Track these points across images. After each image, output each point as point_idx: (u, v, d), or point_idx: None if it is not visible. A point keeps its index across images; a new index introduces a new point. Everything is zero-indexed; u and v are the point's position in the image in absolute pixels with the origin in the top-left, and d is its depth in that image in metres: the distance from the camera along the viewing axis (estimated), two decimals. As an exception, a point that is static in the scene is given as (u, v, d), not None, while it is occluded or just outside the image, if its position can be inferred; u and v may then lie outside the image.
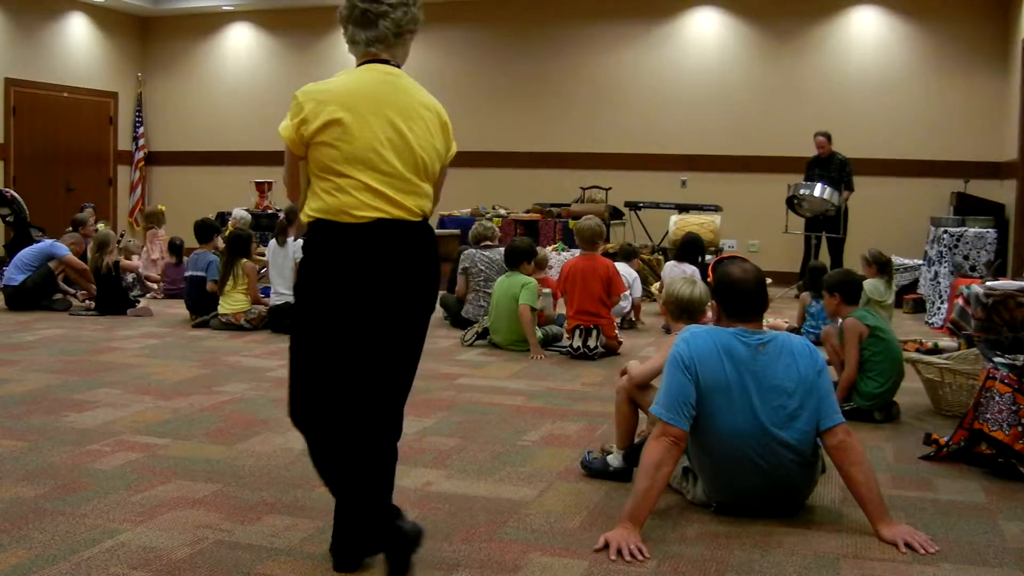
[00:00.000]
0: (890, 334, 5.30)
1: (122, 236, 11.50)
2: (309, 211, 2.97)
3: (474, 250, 8.30)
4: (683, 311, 4.32)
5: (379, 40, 3.04)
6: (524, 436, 4.77)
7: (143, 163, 15.38)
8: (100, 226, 10.86)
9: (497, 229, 8.82)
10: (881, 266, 7.79)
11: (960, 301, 7.32)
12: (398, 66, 3.07)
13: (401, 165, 2.94)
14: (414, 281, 2.99)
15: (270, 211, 12.07)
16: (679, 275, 6.82)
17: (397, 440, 3.10)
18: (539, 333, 7.27)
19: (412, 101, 3.01)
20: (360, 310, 2.92)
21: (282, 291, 8.13)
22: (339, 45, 14.18)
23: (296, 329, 3.04)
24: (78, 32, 14.36)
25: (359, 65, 3.07)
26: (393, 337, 2.99)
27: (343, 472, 2.99)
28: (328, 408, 2.98)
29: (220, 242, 9.47)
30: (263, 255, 9.09)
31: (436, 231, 11.41)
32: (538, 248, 8.08)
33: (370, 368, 2.98)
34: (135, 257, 10.91)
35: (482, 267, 8.12)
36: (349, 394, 2.97)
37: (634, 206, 12.08)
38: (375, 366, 2.98)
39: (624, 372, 4.16)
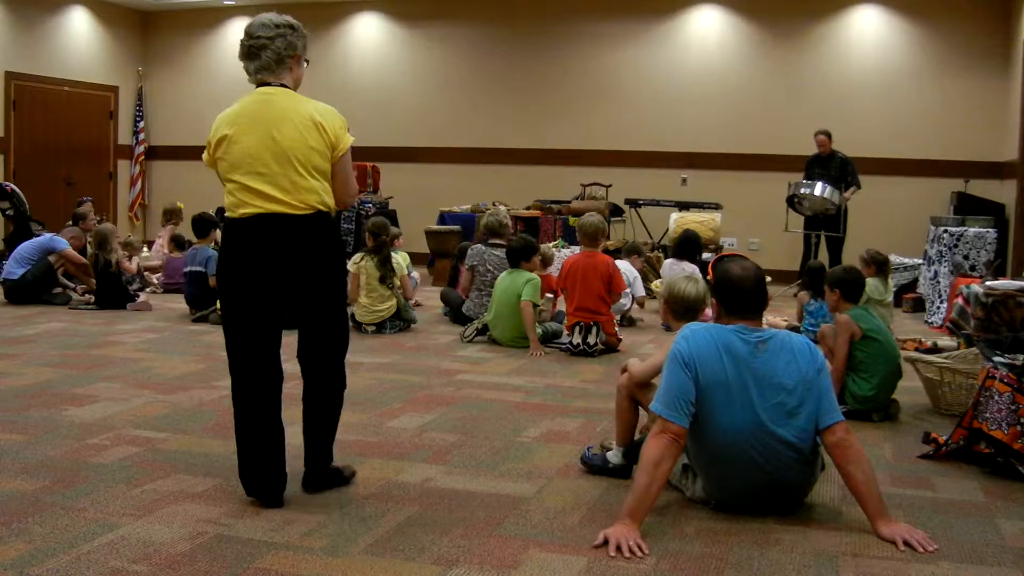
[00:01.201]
0: (886, 336, 5.28)
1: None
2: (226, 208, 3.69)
3: (483, 247, 8.20)
4: (687, 310, 4.31)
5: (264, 68, 3.65)
6: (524, 432, 4.77)
7: (143, 157, 15.38)
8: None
9: (510, 224, 8.64)
10: (879, 266, 7.80)
11: (960, 300, 7.32)
12: (286, 86, 3.66)
13: (277, 166, 3.52)
14: (296, 265, 3.57)
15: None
16: (679, 273, 6.81)
17: (337, 382, 3.81)
18: (539, 330, 7.26)
19: (283, 112, 3.56)
20: (250, 289, 3.58)
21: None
22: (339, 40, 14.24)
23: (221, 305, 3.76)
24: (79, 26, 14.35)
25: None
26: (294, 306, 3.66)
27: (250, 415, 3.70)
28: (249, 363, 3.68)
29: (219, 236, 9.46)
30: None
31: (436, 227, 11.59)
32: (540, 246, 8.05)
33: (274, 336, 3.68)
34: (135, 259, 10.91)
35: (491, 267, 8.00)
36: (267, 352, 3.66)
37: (634, 203, 12.08)
38: (276, 334, 3.69)
39: (625, 370, 4.16)
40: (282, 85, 3.65)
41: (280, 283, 3.58)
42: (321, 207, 3.59)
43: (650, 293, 9.47)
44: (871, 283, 7.53)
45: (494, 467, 4.17)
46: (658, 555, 3.18)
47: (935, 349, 6.60)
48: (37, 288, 9.21)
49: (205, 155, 3.70)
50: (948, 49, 11.89)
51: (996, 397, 4.17)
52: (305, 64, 3.77)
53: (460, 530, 3.38)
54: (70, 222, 10.67)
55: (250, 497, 3.65)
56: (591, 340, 7.00)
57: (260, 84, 3.66)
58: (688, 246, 8.88)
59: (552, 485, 3.93)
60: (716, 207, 11.75)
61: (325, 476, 3.80)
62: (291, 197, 3.53)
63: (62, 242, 9.53)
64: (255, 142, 3.54)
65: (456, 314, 8.37)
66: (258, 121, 3.56)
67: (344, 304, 3.84)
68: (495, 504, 3.67)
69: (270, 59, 3.63)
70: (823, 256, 10.83)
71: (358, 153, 4.97)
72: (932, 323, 9.06)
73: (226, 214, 3.65)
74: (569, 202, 12.15)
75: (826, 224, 10.72)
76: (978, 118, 11.70)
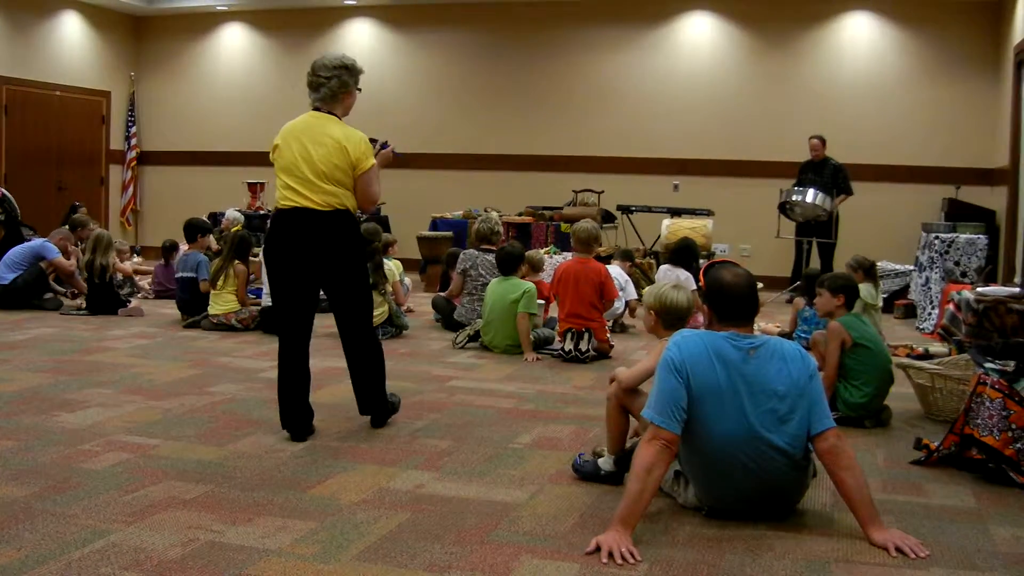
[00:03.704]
0: (876, 343, 5.28)
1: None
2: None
3: (476, 252, 8.21)
4: (678, 319, 4.30)
5: (321, 99, 4.77)
6: (516, 439, 4.77)
7: (135, 163, 15.34)
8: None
9: (501, 231, 8.65)
10: (867, 270, 7.82)
11: (951, 307, 7.34)
12: (333, 114, 4.75)
13: (309, 173, 4.60)
14: (320, 247, 4.63)
15: (262, 212, 12.05)
16: (672, 279, 6.81)
17: (376, 346, 4.89)
18: (531, 336, 7.25)
19: (321, 134, 4.64)
20: (287, 263, 4.67)
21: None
22: (331, 46, 14.22)
23: (268, 275, 4.89)
24: (71, 31, 14.32)
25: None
26: (317, 284, 4.74)
27: (292, 363, 4.74)
28: (284, 323, 4.77)
29: (212, 242, 9.45)
30: (256, 256, 9.07)
31: (428, 233, 11.59)
32: (530, 251, 8.05)
33: (307, 301, 4.74)
34: (128, 263, 10.90)
35: (483, 271, 8.02)
36: (300, 317, 4.73)
37: (626, 210, 12.08)
38: (310, 300, 4.75)
39: (613, 379, 4.16)
40: (331, 113, 4.74)
41: (307, 259, 4.63)
42: (339, 207, 4.63)
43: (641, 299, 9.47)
44: (864, 288, 7.54)
45: (486, 473, 4.17)
46: (650, 561, 3.18)
47: (927, 355, 6.61)
48: (28, 293, 9.18)
49: (270, 155, 4.78)
50: (939, 56, 11.94)
51: (987, 403, 4.18)
52: (358, 91, 4.87)
53: (452, 537, 3.37)
54: (68, 227, 10.62)
55: (284, 431, 4.68)
56: (583, 346, 7.00)
57: (315, 108, 4.75)
58: (685, 254, 8.86)
59: (544, 492, 3.93)
60: (708, 213, 11.76)
61: (385, 413, 4.94)
62: (317, 197, 4.59)
63: (53, 250, 9.49)
64: (295, 153, 4.63)
65: (448, 320, 8.37)
66: (300, 137, 4.65)
67: (365, 281, 4.83)
68: (487, 510, 3.67)
69: (326, 93, 4.73)
70: (814, 263, 10.86)
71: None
72: (923, 329, 9.07)
73: (275, 204, 4.77)
74: (561, 208, 12.16)
75: (818, 230, 10.74)
76: (969, 125, 11.74)
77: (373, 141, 5.03)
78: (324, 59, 4.79)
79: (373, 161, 4.74)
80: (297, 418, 4.67)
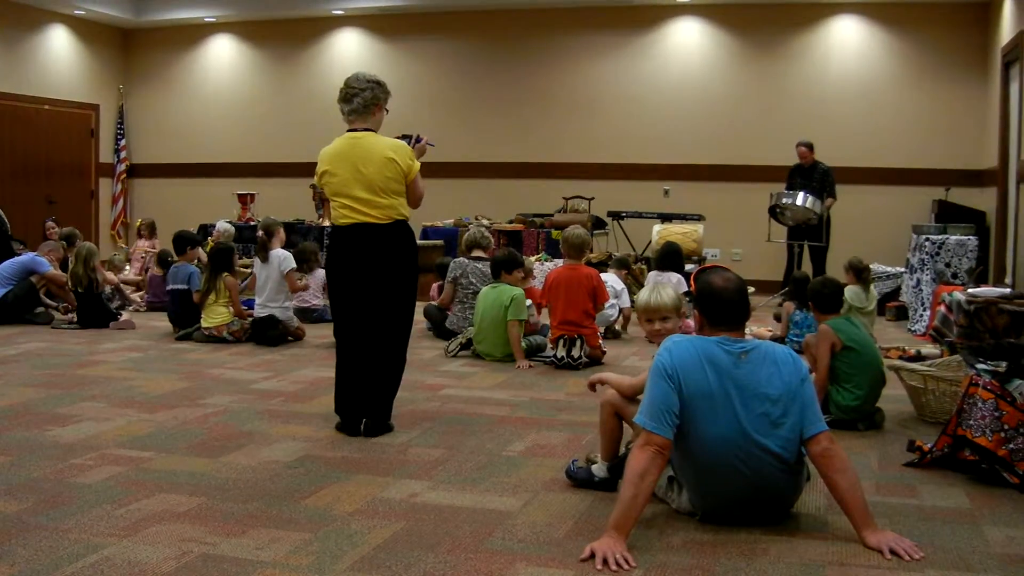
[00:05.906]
0: (866, 346, 5.28)
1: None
2: (331, 219, 5.25)
3: (466, 260, 8.21)
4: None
5: (354, 111, 5.02)
6: (509, 446, 4.77)
7: (125, 176, 15.33)
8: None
9: (491, 238, 8.69)
10: (857, 273, 7.83)
11: (942, 308, 7.36)
12: (369, 129, 5.01)
13: (365, 191, 4.91)
14: (380, 258, 4.93)
15: (252, 223, 12.04)
16: (665, 283, 6.81)
17: (399, 358, 5.11)
18: (523, 343, 7.25)
19: (367, 152, 4.91)
20: (349, 274, 4.97)
21: (266, 303, 8.12)
22: (319, 56, 14.24)
23: (328, 288, 5.18)
24: (59, 44, 14.31)
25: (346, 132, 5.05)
26: (374, 292, 4.95)
27: (349, 367, 5.04)
28: (347, 332, 5.05)
29: (202, 254, 9.44)
30: (247, 267, 9.04)
31: (419, 242, 11.53)
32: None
33: (366, 309, 4.97)
34: (127, 269, 10.90)
35: (473, 279, 8.03)
36: (358, 324, 4.99)
37: (617, 216, 12.09)
38: (369, 308, 4.97)
39: (600, 382, 4.16)
40: (366, 129, 4.99)
41: (369, 270, 4.92)
42: (398, 217, 4.98)
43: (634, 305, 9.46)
44: (851, 291, 7.55)
45: (480, 482, 4.16)
46: (645, 567, 3.18)
47: (919, 357, 6.63)
48: (19, 308, 9.15)
49: (316, 180, 5.14)
50: (928, 59, 11.99)
51: (980, 404, 4.19)
52: (386, 111, 5.11)
53: (446, 546, 3.37)
54: (64, 242, 10.59)
55: (339, 431, 4.99)
56: (575, 353, 7.00)
57: (351, 124, 5.01)
58: (672, 258, 8.89)
59: (538, 499, 3.93)
60: (699, 218, 11.78)
61: (384, 424, 5.02)
62: (375, 212, 4.91)
63: (44, 264, 9.47)
64: (347, 175, 4.90)
65: (438, 328, 8.36)
66: (348, 159, 4.92)
67: (413, 292, 5.13)
68: (481, 519, 3.66)
69: (359, 104, 4.98)
70: (806, 266, 10.87)
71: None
72: (915, 331, 9.09)
73: (332, 222, 5.13)
74: (552, 215, 12.16)
75: (808, 234, 10.75)
76: (958, 126, 11.78)
77: (407, 138, 5.27)
78: (357, 74, 5.06)
79: (418, 164, 5.06)
80: (351, 412, 5.00)
